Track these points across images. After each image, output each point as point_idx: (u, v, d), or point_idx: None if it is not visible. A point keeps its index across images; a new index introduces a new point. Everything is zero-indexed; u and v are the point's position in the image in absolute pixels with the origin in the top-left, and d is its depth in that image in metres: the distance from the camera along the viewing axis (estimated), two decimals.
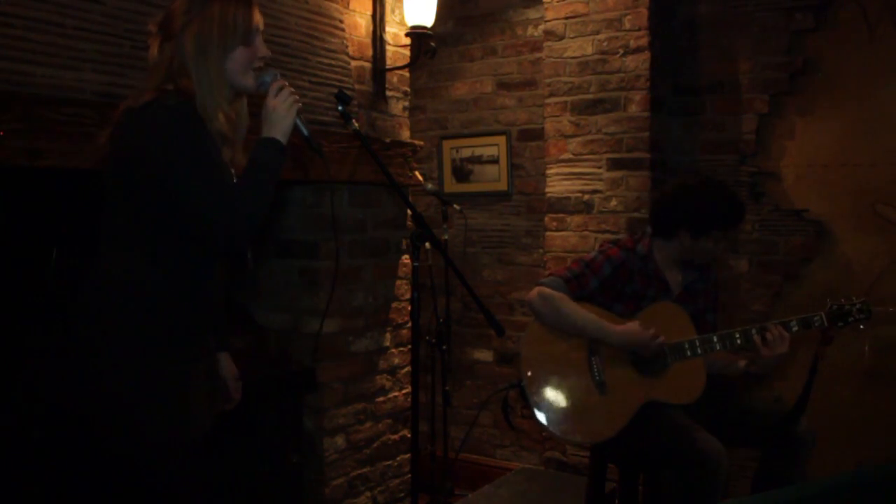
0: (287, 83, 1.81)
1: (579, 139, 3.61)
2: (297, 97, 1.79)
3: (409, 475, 3.24)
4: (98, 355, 1.67)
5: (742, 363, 2.60)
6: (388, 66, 3.16)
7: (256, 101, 1.86)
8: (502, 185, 4.14)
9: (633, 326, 2.51)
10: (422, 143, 3.36)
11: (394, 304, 3.24)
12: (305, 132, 1.84)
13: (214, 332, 1.91)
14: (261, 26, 1.80)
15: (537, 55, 3.95)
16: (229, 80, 1.75)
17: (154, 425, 1.68)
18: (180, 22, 1.71)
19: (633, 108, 3.49)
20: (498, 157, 4.14)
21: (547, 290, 2.56)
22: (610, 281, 2.60)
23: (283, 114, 1.76)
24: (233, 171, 1.80)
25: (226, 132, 1.74)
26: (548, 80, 3.69)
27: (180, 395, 1.71)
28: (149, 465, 1.70)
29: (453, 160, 4.26)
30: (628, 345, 2.52)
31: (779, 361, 2.49)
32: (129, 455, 1.70)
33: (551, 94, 3.67)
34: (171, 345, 1.70)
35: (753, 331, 2.51)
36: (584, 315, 2.54)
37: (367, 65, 3.11)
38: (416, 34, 3.07)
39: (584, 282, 2.58)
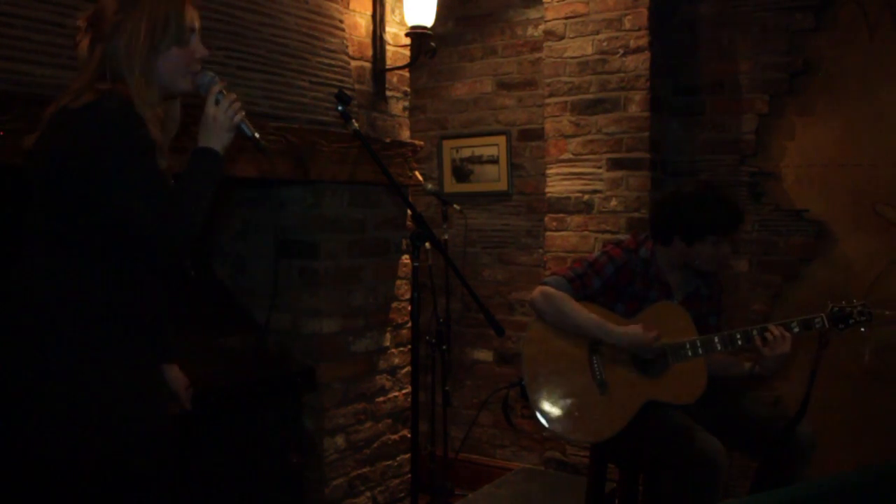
0: (226, 88, 1.72)
1: (579, 139, 3.61)
2: (238, 105, 1.71)
3: (409, 475, 3.24)
4: (24, 360, 1.59)
5: (747, 365, 2.59)
6: (388, 66, 3.16)
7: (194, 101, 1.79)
8: (502, 185, 4.14)
9: (634, 328, 2.51)
10: (422, 143, 3.36)
11: (394, 304, 3.24)
12: (250, 133, 1.75)
13: (156, 342, 1.79)
14: (197, 25, 1.73)
15: (537, 55, 3.96)
16: (163, 82, 1.68)
17: (79, 434, 1.59)
18: (110, 23, 1.64)
19: (633, 108, 3.49)
20: (498, 157, 4.14)
21: (550, 290, 2.57)
22: (612, 281, 2.60)
23: (223, 124, 1.68)
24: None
25: (155, 136, 1.64)
26: (548, 80, 3.69)
27: (110, 403, 1.62)
28: (77, 475, 1.61)
29: (453, 160, 4.26)
30: (629, 346, 2.52)
31: (782, 361, 2.48)
32: (53, 464, 1.60)
33: (551, 94, 3.67)
34: (104, 350, 1.62)
35: (754, 331, 2.51)
36: (587, 315, 2.54)
37: (367, 65, 3.11)
38: (416, 34, 3.07)
39: (587, 281, 2.59)
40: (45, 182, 1.62)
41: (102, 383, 1.62)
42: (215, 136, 1.68)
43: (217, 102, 1.69)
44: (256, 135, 1.76)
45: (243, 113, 1.72)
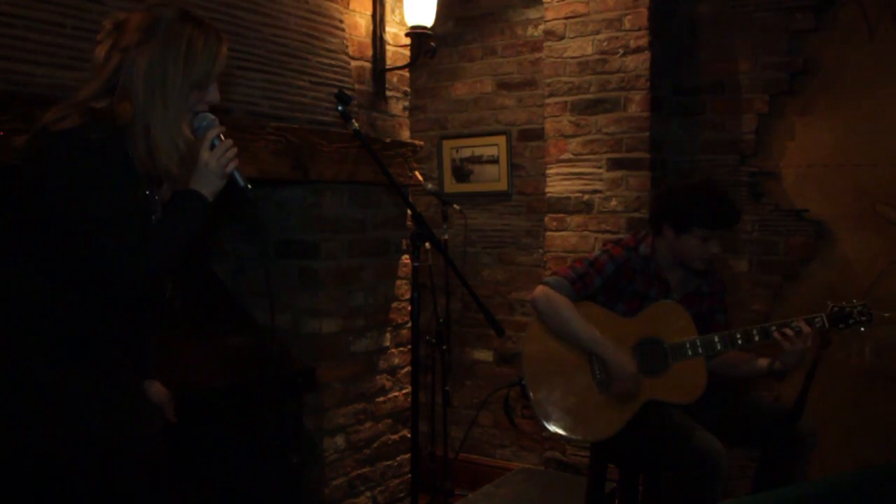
0: (223, 133, 1.66)
1: (579, 139, 3.62)
2: (234, 152, 1.66)
3: (409, 475, 3.24)
4: None
5: (763, 362, 2.57)
6: (388, 66, 3.16)
7: None
8: (502, 185, 4.14)
9: (626, 361, 2.50)
10: (422, 143, 3.36)
11: (394, 304, 3.24)
12: (242, 184, 1.69)
13: (136, 362, 1.76)
14: (221, 71, 1.68)
15: (537, 55, 3.96)
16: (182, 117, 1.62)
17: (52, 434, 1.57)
18: (136, 38, 1.58)
19: (633, 108, 3.49)
20: (498, 157, 4.14)
21: (551, 292, 2.56)
22: (613, 279, 2.60)
23: (215, 172, 1.63)
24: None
25: (173, 171, 1.61)
26: (548, 80, 3.69)
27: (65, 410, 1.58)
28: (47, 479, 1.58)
29: (453, 160, 4.26)
30: (613, 371, 2.51)
31: (802, 357, 2.46)
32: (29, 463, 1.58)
33: (551, 94, 3.67)
34: (69, 361, 1.59)
35: (755, 331, 2.51)
36: (583, 326, 2.53)
37: (367, 65, 3.11)
38: (416, 34, 3.07)
39: (588, 281, 2.59)
40: (16, 192, 1.59)
41: (74, 399, 1.59)
42: (206, 182, 1.63)
43: (212, 147, 1.64)
44: (249, 186, 1.71)
45: (237, 161, 1.67)
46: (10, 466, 1.59)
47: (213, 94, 1.68)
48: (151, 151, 1.60)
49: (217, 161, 1.63)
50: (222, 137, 1.66)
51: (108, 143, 1.55)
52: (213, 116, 1.68)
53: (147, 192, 1.65)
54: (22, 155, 1.59)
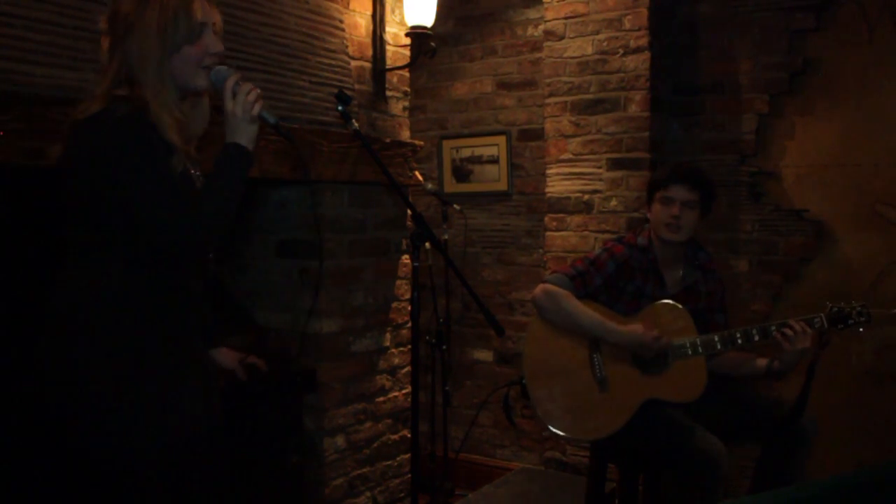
0: (241, 79, 1.69)
1: (579, 139, 3.62)
2: (256, 92, 1.68)
3: (409, 475, 3.24)
4: (69, 365, 1.60)
5: (762, 362, 2.58)
6: (388, 66, 3.16)
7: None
8: (502, 185, 4.14)
9: (635, 327, 2.51)
10: (422, 143, 3.36)
11: (394, 304, 3.24)
12: (272, 121, 1.73)
13: (202, 332, 1.83)
14: (212, 20, 1.70)
15: (537, 55, 3.96)
16: (177, 82, 1.66)
17: (134, 431, 1.61)
18: (123, 26, 1.63)
19: (633, 108, 3.49)
20: (498, 157, 4.14)
21: (552, 287, 2.57)
22: (613, 278, 2.60)
23: (242, 117, 1.66)
24: (199, 174, 1.73)
25: (175, 140, 1.64)
26: (548, 80, 3.69)
27: (162, 399, 1.64)
28: (129, 473, 1.63)
29: (453, 160, 4.26)
30: (630, 345, 2.52)
31: (801, 357, 2.47)
32: (107, 464, 1.63)
33: (551, 94, 3.67)
34: (150, 350, 1.64)
35: (755, 330, 2.51)
36: (588, 313, 2.55)
37: (367, 65, 3.11)
38: (416, 34, 3.07)
39: (589, 279, 2.59)
40: (70, 193, 1.64)
41: (131, 389, 1.62)
42: (239, 131, 1.67)
43: (234, 96, 1.67)
44: (279, 122, 1.74)
45: (261, 101, 1.69)
46: (92, 465, 1.64)
47: (216, 45, 1.70)
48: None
49: (242, 107, 1.66)
50: (240, 83, 1.68)
51: (136, 117, 1.59)
52: (226, 67, 1.70)
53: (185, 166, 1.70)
54: (61, 157, 1.65)
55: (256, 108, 1.68)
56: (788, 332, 2.44)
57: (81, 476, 1.66)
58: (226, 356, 2.07)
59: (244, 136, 1.67)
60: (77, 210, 1.64)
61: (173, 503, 1.71)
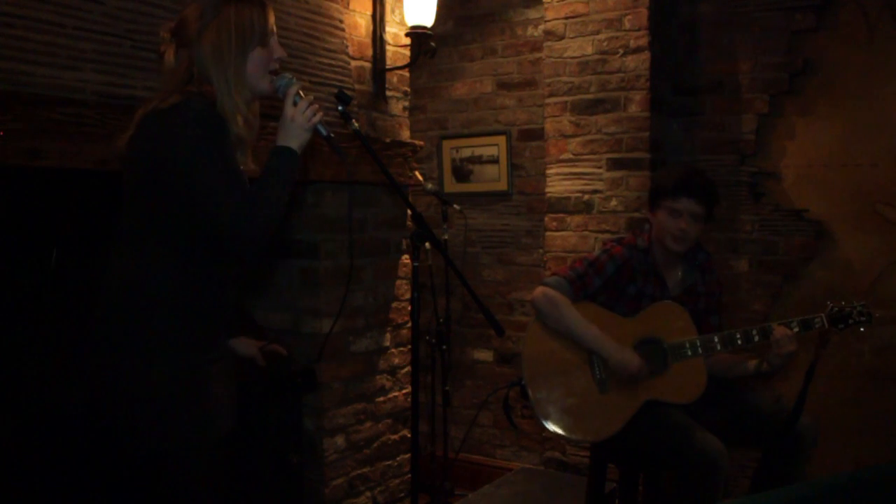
0: (302, 90, 1.79)
1: (579, 139, 3.62)
2: (316, 107, 1.78)
3: (409, 475, 3.24)
4: (118, 356, 1.67)
5: (752, 364, 2.59)
6: (388, 66, 3.16)
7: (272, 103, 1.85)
8: (502, 185, 4.14)
9: (631, 359, 2.51)
10: (422, 143, 3.36)
11: (394, 304, 3.24)
12: (325, 134, 1.82)
13: (228, 330, 1.93)
14: (275, 28, 1.81)
15: (537, 55, 3.96)
16: (247, 83, 1.75)
17: (175, 426, 1.69)
18: (195, 27, 1.73)
19: (633, 108, 3.49)
20: (498, 157, 4.14)
21: (551, 292, 2.56)
22: (613, 280, 2.60)
23: (301, 125, 1.75)
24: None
25: (244, 136, 1.74)
26: (548, 80, 3.69)
27: (200, 395, 1.73)
28: (169, 466, 1.71)
29: (453, 160, 4.26)
30: (616, 368, 2.52)
31: (788, 360, 2.49)
32: (148, 456, 1.71)
33: (551, 94, 3.67)
34: (191, 346, 1.72)
35: (754, 331, 2.51)
36: (585, 326, 2.54)
37: (367, 65, 3.11)
38: (416, 34, 3.07)
39: (588, 281, 2.59)
40: (135, 180, 1.70)
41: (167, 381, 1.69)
42: (293, 136, 1.75)
43: (295, 103, 1.75)
44: (332, 135, 1.83)
45: (321, 114, 1.79)
46: (146, 455, 1.73)
47: (279, 50, 1.81)
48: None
49: (302, 115, 1.75)
50: (302, 94, 1.77)
51: (212, 112, 1.68)
52: (290, 75, 1.81)
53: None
54: (129, 144, 1.70)
55: (315, 119, 1.77)
56: (774, 336, 2.46)
57: (132, 464, 1.75)
58: (244, 344, 2.14)
59: (296, 141, 1.75)
60: (138, 198, 1.70)
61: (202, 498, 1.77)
